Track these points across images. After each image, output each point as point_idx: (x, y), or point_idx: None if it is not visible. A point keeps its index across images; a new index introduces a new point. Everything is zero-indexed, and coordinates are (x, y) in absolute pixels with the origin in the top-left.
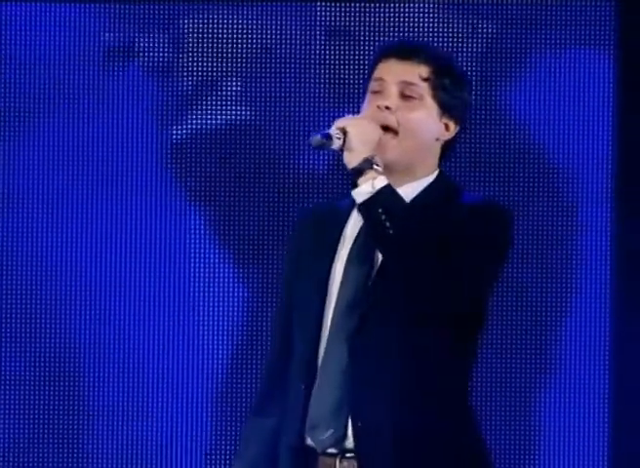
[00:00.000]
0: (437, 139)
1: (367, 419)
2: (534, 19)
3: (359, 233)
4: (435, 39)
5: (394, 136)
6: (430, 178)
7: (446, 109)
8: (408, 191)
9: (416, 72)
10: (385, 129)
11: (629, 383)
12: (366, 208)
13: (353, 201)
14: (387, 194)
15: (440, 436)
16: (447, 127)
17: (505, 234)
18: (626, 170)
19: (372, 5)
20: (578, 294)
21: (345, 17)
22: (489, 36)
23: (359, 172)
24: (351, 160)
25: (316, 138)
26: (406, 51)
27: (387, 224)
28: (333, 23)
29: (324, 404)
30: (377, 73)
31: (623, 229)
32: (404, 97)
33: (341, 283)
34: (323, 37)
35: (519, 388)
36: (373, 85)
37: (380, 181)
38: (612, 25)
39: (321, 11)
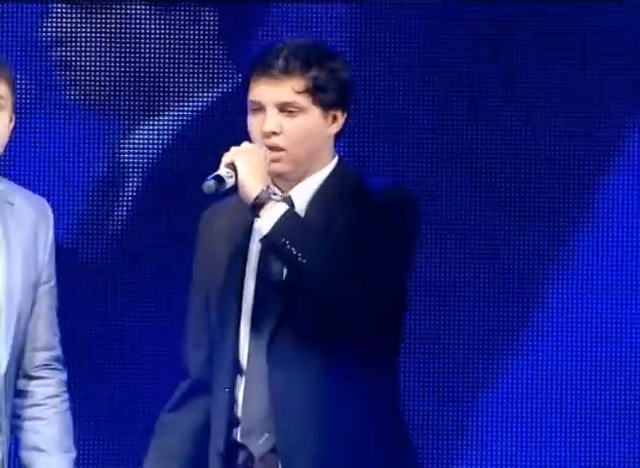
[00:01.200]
0: (329, 136)
1: (288, 439)
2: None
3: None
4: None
5: (282, 151)
6: (327, 170)
7: (328, 106)
8: (305, 189)
9: (289, 89)
10: (274, 148)
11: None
12: (269, 240)
13: None
14: (288, 222)
15: (366, 451)
16: (334, 118)
17: (414, 219)
18: None
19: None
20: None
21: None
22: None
23: (259, 205)
24: (247, 195)
25: (208, 184)
26: (272, 67)
27: (294, 251)
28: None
29: (255, 410)
30: (252, 95)
31: None
32: (285, 112)
33: (256, 281)
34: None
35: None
36: (252, 104)
37: (279, 210)
38: None
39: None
